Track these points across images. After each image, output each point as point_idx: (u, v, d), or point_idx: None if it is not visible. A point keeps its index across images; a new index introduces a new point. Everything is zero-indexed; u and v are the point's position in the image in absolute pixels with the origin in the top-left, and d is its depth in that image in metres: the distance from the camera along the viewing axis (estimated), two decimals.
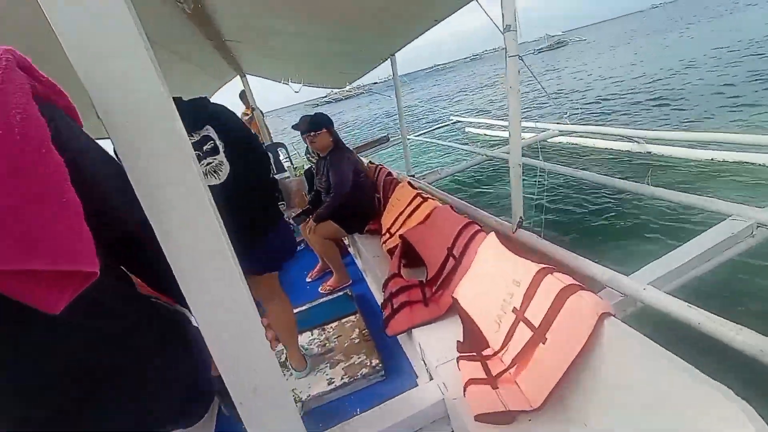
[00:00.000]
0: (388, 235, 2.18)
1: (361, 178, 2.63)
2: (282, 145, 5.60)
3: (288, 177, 3.96)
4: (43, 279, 0.38)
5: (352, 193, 2.52)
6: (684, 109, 6.89)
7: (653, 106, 7.49)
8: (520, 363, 1.14)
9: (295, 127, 3.21)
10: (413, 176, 3.90)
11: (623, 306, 1.65)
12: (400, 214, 2.16)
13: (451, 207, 1.90)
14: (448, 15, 2.56)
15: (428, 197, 2.06)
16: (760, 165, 3.30)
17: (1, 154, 0.35)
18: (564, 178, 3.93)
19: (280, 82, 5.52)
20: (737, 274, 2.14)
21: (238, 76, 5.23)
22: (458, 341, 1.41)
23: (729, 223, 1.91)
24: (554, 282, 1.11)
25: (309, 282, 2.95)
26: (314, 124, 2.51)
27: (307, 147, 3.36)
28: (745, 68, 8.60)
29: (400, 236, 1.94)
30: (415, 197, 2.11)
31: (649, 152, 4.26)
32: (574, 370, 1.00)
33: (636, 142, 4.34)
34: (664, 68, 11.15)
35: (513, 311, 1.21)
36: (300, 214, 2.70)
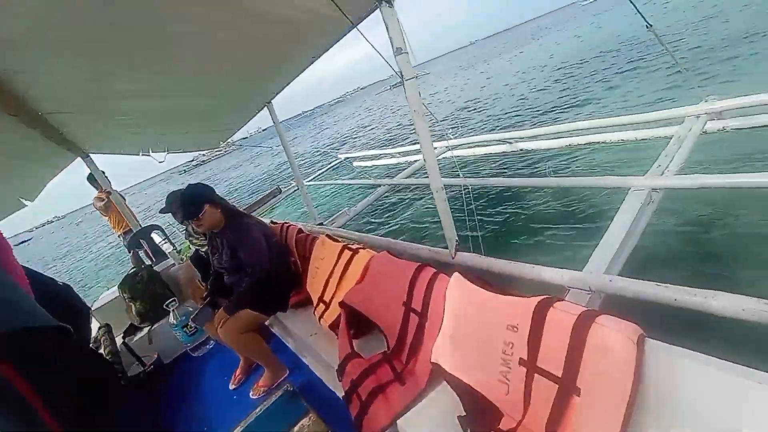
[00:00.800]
0: (323, 306, 1.79)
1: (273, 246, 2.19)
2: (156, 227, 4.69)
3: (173, 264, 3.24)
4: None
5: (264, 269, 2.07)
6: (533, 109, 8.18)
7: (505, 113, 8.71)
8: (559, 428, 0.88)
9: (165, 210, 2.61)
10: (322, 224, 3.57)
11: (591, 303, 1.57)
12: (330, 275, 1.80)
13: (389, 252, 1.62)
14: (328, 48, 2.40)
15: (357, 248, 1.75)
16: (611, 142, 3.88)
17: None
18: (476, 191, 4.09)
19: (138, 155, 4.71)
20: (659, 238, 2.34)
21: (79, 158, 4.27)
22: (460, 417, 1.10)
23: (634, 195, 2.05)
24: (561, 315, 0.90)
25: (234, 389, 2.32)
26: (193, 206, 2.00)
27: (186, 229, 2.77)
28: (562, 73, 10.81)
29: (341, 304, 1.58)
30: (342, 251, 1.79)
31: (523, 149, 4.74)
32: (633, 421, 0.78)
33: (509, 143, 4.79)
34: (503, 84, 13.38)
35: (520, 363, 0.97)
36: (200, 311, 2.11)
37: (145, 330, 2.89)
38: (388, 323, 1.43)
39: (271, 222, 2.68)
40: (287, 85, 3.05)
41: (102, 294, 3.47)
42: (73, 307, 1.00)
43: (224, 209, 2.11)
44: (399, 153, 6.55)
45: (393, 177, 4.33)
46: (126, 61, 1.82)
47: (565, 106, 7.92)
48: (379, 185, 3.91)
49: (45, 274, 1.02)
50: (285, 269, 2.26)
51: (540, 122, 7.73)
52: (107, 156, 4.85)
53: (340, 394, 1.58)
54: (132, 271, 3.08)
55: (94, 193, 5.16)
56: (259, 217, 2.35)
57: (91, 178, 4.89)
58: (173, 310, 2.77)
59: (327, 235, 2.03)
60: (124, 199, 5.93)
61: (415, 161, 5.20)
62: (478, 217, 3.81)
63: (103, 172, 4.85)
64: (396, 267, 1.49)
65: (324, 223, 3.53)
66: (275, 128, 3.44)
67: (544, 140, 3.78)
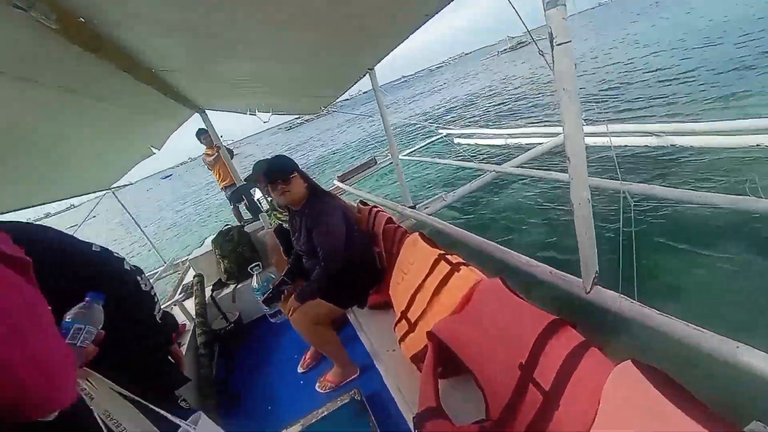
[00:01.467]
0: (405, 325, 1.47)
1: (355, 233, 1.93)
2: (254, 185, 4.89)
3: (262, 228, 3.24)
4: None
5: (344, 258, 1.83)
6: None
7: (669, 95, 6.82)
8: None
9: (251, 179, 2.52)
10: (414, 207, 3.23)
11: None
12: (419, 289, 1.45)
13: (503, 281, 1.20)
14: (442, 7, 1.95)
15: (458, 263, 1.36)
16: None
17: None
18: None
19: (246, 113, 4.87)
20: None
21: (196, 114, 4.54)
22: None
23: None
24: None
25: (302, 373, 2.21)
26: (282, 170, 1.83)
27: (271, 200, 2.66)
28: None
29: (429, 335, 1.24)
30: (437, 262, 1.42)
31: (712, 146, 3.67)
32: None
33: (681, 135, 3.74)
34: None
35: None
36: (272, 292, 1.97)
37: (231, 287, 2.97)
38: (491, 382, 1.05)
39: (360, 204, 2.42)
40: (391, 51, 2.66)
41: (206, 241, 3.65)
42: (107, 272, 0.88)
43: (309, 185, 1.91)
44: (508, 134, 5.80)
45: (501, 163, 3.74)
46: (230, 21, 1.64)
47: None
48: (486, 171, 3.38)
49: (81, 240, 0.97)
50: (367, 261, 1.99)
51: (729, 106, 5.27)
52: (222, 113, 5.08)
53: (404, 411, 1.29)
54: (225, 228, 3.15)
55: (202, 149, 5.58)
56: (345, 198, 2.09)
57: (202, 134, 5.24)
58: (256, 275, 2.76)
59: (421, 234, 1.68)
60: (232, 155, 6.35)
61: (533, 146, 4.49)
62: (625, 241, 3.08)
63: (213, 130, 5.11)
64: (514, 310, 1.08)
65: (417, 207, 3.18)
66: (375, 95, 3.12)
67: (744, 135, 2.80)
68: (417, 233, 1.70)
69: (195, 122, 5.13)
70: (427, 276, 1.44)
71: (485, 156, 5.80)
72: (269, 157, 2.57)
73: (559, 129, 4.38)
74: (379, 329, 1.80)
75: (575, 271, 1.58)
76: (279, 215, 2.74)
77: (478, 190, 3.36)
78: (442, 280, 1.34)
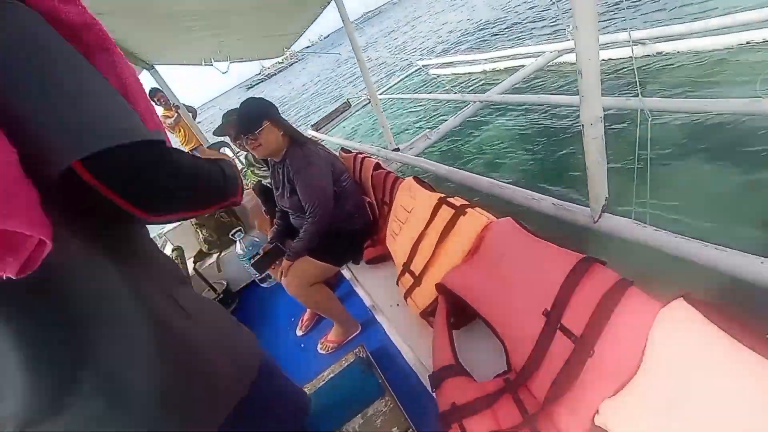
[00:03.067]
0: (410, 278, 1.35)
1: (344, 183, 1.76)
2: (225, 144, 4.52)
3: None
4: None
5: (335, 210, 1.68)
6: None
7: None
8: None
9: (219, 132, 2.24)
10: (398, 149, 3.03)
11: None
12: (421, 238, 1.32)
13: (516, 221, 1.08)
14: None
15: (463, 205, 1.22)
16: None
17: None
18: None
19: (201, 65, 4.37)
20: None
21: (144, 71, 4.03)
22: None
23: None
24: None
25: (301, 336, 2.15)
26: (250, 119, 1.59)
27: (246, 155, 2.41)
28: None
29: (439, 287, 1.13)
30: (439, 206, 1.27)
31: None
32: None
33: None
34: None
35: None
36: (263, 257, 1.82)
37: (214, 257, 2.81)
38: (512, 332, 0.96)
39: (342, 151, 2.21)
40: None
41: None
42: None
43: (286, 132, 1.67)
44: (490, 58, 5.43)
45: (484, 92, 3.49)
46: None
47: None
48: (469, 102, 3.15)
49: None
50: (358, 213, 1.84)
51: None
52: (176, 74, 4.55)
53: (414, 365, 1.24)
54: None
55: (159, 110, 5.04)
56: (326, 147, 1.87)
57: (156, 94, 4.71)
58: (239, 240, 2.59)
59: (416, 179, 1.52)
60: (195, 114, 5.82)
61: (517, 68, 4.18)
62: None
63: (168, 88, 4.60)
64: (534, 252, 0.96)
65: (401, 149, 2.98)
66: (345, 27, 2.76)
67: None
68: (411, 178, 1.54)
69: (146, 82, 4.61)
70: (428, 223, 1.30)
71: (468, 86, 5.46)
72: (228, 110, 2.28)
73: (545, 47, 4.09)
74: (378, 284, 1.69)
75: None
76: (257, 171, 2.50)
77: (462, 124, 3.15)
78: (446, 226, 1.21)
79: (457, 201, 1.25)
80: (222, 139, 3.12)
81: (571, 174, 2.85)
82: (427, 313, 1.22)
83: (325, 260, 1.72)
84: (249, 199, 2.86)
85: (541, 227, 1.19)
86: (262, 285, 2.75)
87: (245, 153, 2.42)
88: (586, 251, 0.88)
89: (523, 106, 3.74)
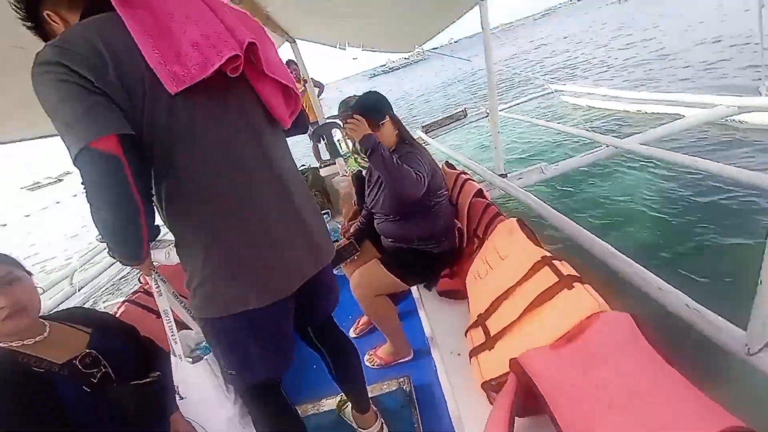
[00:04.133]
0: (481, 335, 1.18)
1: (440, 199, 1.65)
2: (336, 125, 4.71)
3: (337, 173, 3.09)
4: None
5: (422, 221, 1.59)
6: None
7: None
8: None
9: (335, 117, 2.29)
10: (505, 176, 2.78)
11: None
12: (507, 294, 1.15)
13: (637, 321, 0.85)
14: None
15: (571, 276, 1.01)
16: None
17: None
18: None
19: (335, 47, 4.57)
20: None
21: (287, 43, 4.36)
22: None
23: None
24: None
25: (353, 338, 2.11)
26: (373, 111, 1.59)
27: (354, 144, 2.42)
28: None
29: (513, 364, 0.96)
30: (539, 266, 1.08)
31: None
32: None
33: None
34: None
35: None
36: (342, 250, 1.81)
37: None
38: None
39: (446, 165, 2.08)
40: None
41: None
42: None
43: (401, 131, 1.66)
44: (636, 99, 4.74)
45: (622, 136, 3.01)
46: None
47: None
48: (601, 144, 2.74)
49: None
50: (444, 237, 1.71)
51: None
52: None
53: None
54: (300, 168, 3.06)
55: None
56: (431, 139, 1.75)
57: (291, 64, 5.07)
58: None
59: (520, 222, 1.33)
60: (322, 90, 6.16)
61: (673, 116, 3.56)
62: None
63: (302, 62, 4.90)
64: (657, 379, 0.73)
65: (508, 176, 2.74)
66: (483, 33, 2.58)
67: None
68: (515, 220, 1.35)
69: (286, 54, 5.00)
70: (522, 281, 1.12)
71: (601, 121, 4.84)
72: (357, 95, 2.31)
73: (714, 99, 3.38)
74: (444, 321, 1.55)
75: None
76: (360, 159, 2.51)
77: (587, 166, 2.76)
78: (542, 294, 1.02)
79: (565, 268, 1.05)
80: (335, 120, 3.24)
81: (719, 270, 2.28)
82: (490, 386, 1.05)
83: (397, 275, 1.63)
84: (345, 185, 2.91)
85: (667, 332, 0.94)
86: (334, 270, 2.79)
87: (353, 140, 2.44)
88: (729, 388, 0.64)
89: (671, 166, 3.14)
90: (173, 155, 0.72)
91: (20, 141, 2.16)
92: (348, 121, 1.54)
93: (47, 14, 0.71)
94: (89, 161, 0.61)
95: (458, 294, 1.58)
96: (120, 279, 3.71)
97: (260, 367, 0.97)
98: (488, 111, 5.24)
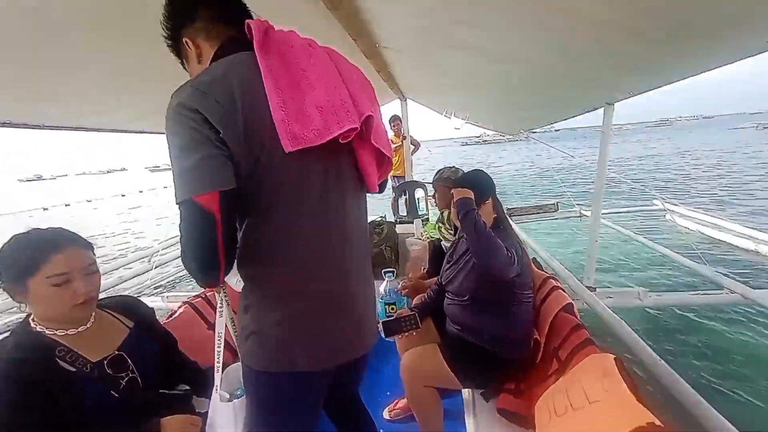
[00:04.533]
0: None
1: (526, 300, 1.48)
2: (422, 185, 4.76)
3: (412, 234, 3.03)
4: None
5: (499, 317, 1.43)
6: None
7: None
8: None
9: (436, 177, 2.26)
10: (594, 289, 2.48)
11: None
12: None
13: None
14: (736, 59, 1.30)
15: None
16: None
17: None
18: None
19: (442, 114, 4.76)
20: None
21: (398, 100, 4.65)
22: None
23: None
24: None
25: (385, 420, 1.90)
26: (478, 188, 1.53)
27: (442, 213, 2.35)
28: None
29: None
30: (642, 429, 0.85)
31: None
32: None
33: None
34: None
35: None
36: (395, 321, 1.67)
37: None
38: None
39: (534, 263, 1.90)
40: (653, 89, 1.98)
41: None
42: None
43: (498, 215, 1.58)
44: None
45: (754, 285, 2.52)
46: (473, 10, 1.38)
47: None
48: (723, 289, 2.33)
49: None
50: (520, 345, 1.50)
51: None
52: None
53: None
54: (378, 219, 3.07)
55: (390, 134, 5.76)
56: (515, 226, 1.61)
57: (395, 120, 5.36)
58: (387, 281, 2.54)
59: (618, 362, 1.10)
60: (418, 147, 6.38)
61: None
62: None
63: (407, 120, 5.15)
64: None
65: (597, 291, 2.44)
66: (602, 134, 2.44)
67: None
68: (613, 358, 1.12)
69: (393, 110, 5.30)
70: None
71: (718, 255, 4.18)
72: (449, 165, 2.29)
73: None
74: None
75: None
76: (444, 232, 2.42)
77: (699, 307, 2.35)
78: None
79: None
80: (422, 181, 3.24)
81: None
82: None
83: (455, 370, 1.45)
84: (417, 248, 2.84)
85: None
86: (382, 335, 2.62)
87: (442, 210, 2.37)
88: None
89: None
90: (272, 207, 0.74)
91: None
92: (457, 189, 1.52)
93: (186, 41, 0.79)
94: (189, 211, 0.65)
95: (522, 420, 1.34)
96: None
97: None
98: (581, 212, 4.93)
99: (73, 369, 0.91)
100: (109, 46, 1.30)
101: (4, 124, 1.68)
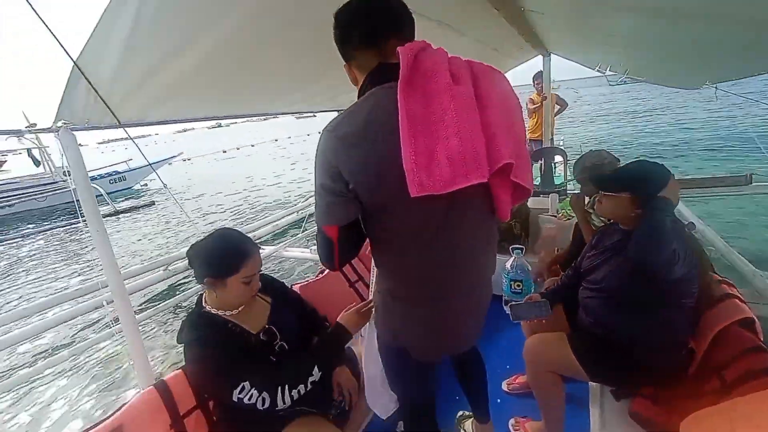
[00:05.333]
0: None
1: (686, 301, 1.29)
2: (561, 151, 4.26)
3: (546, 210, 2.82)
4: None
5: (646, 319, 1.31)
6: None
7: None
8: None
9: (577, 172, 1.98)
10: None
11: None
12: None
13: None
14: None
15: None
16: None
17: None
18: None
19: (594, 69, 4.10)
20: None
21: (540, 56, 4.16)
22: None
23: None
24: None
25: (504, 392, 1.97)
26: (641, 188, 1.32)
27: (591, 198, 2.07)
28: None
29: None
30: None
31: None
32: None
33: None
34: None
35: None
36: (526, 305, 1.64)
37: None
38: None
39: (702, 258, 1.60)
40: None
41: None
42: None
43: (650, 202, 1.28)
44: None
45: None
46: None
47: None
48: None
49: None
50: (668, 349, 1.34)
51: None
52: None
53: None
54: None
55: (532, 92, 5.16)
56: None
57: (537, 77, 4.79)
58: (515, 257, 2.45)
59: None
60: (564, 108, 5.68)
61: None
62: None
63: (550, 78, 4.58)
64: None
65: None
66: None
67: None
68: None
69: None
70: None
71: None
72: (596, 150, 1.97)
73: None
74: None
75: None
76: (594, 218, 2.13)
77: None
78: None
79: None
80: (561, 148, 2.89)
81: None
82: None
83: (584, 364, 1.39)
84: (550, 227, 2.66)
85: None
86: (506, 311, 2.61)
87: (589, 196, 2.07)
88: None
89: None
90: (392, 235, 0.88)
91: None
92: (602, 200, 1.43)
93: (346, 65, 0.89)
94: (318, 232, 0.88)
95: (656, 429, 1.24)
96: None
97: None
98: None
99: (242, 339, 1.18)
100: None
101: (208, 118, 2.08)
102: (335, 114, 0.82)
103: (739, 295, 1.37)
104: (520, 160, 0.80)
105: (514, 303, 1.66)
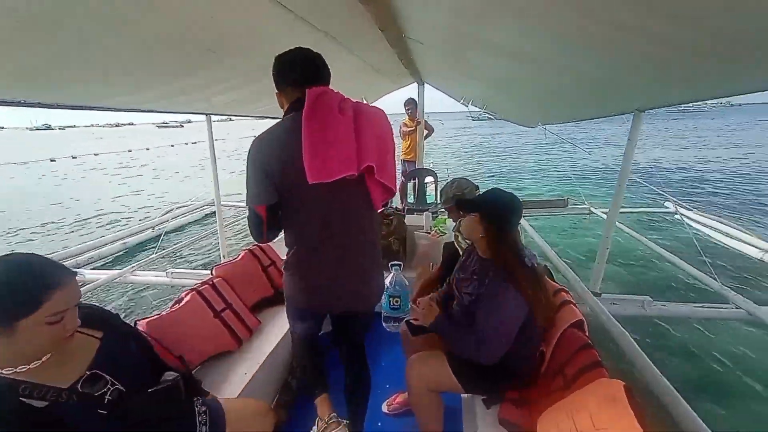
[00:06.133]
0: None
1: (527, 330, 1.42)
2: (433, 173, 4.68)
3: (421, 227, 3.01)
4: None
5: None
6: None
7: None
8: None
9: (450, 186, 2.20)
10: (599, 295, 2.48)
11: None
12: None
13: None
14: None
15: None
16: None
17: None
18: None
19: (459, 101, 4.63)
20: None
21: (415, 83, 4.52)
22: None
23: None
24: None
25: (384, 413, 1.96)
26: (497, 218, 1.47)
27: (456, 222, 2.29)
28: None
29: None
30: None
31: None
32: None
33: None
34: None
35: None
36: (399, 319, 1.71)
37: None
38: None
39: (548, 276, 1.89)
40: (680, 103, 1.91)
41: None
42: None
43: (511, 248, 1.45)
44: None
45: (759, 301, 2.51)
46: (498, 11, 1.31)
47: None
48: (730, 303, 2.32)
49: None
50: (526, 360, 1.51)
51: None
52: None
53: None
54: (388, 210, 3.04)
55: (403, 118, 5.56)
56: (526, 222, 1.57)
57: (410, 104, 5.19)
58: (394, 274, 2.51)
59: (628, 391, 1.10)
60: (431, 132, 6.21)
61: None
62: None
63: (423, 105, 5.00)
64: None
65: (602, 296, 2.44)
66: (630, 136, 2.35)
67: None
68: (623, 386, 1.13)
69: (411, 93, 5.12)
70: None
71: (728, 263, 4.15)
72: (458, 177, 2.22)
73: None
74: None
75: None
76: (460, 239, 2.32)
77: (704, 320, 2.35)
78: None
79: None
80: (432, 170, 3.14)
81: None
82: None
83: (462, 382, 1.47)
84: (425, 243, 2.83)
85: None
86: (384, 325, 2.64)
87: (454, 222, 2.29)
88: None
89: None
90: (297, 212, 1.22)
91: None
92: (419, 304, 1.62)
93: (276, 93, 1.25)
94: (250, 211, 1.22)
95: (520, 426, 1.37)
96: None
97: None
98: (591, 210, 4.86)
99: (44, 403, 0.81)
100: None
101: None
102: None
103: (572, 300, 1.64)
104: (384, 166, 1.20)
105: (386, 314, 1.96)
